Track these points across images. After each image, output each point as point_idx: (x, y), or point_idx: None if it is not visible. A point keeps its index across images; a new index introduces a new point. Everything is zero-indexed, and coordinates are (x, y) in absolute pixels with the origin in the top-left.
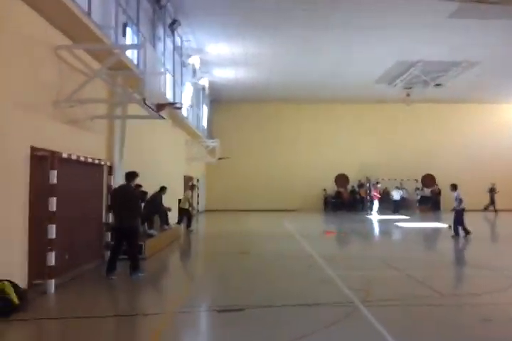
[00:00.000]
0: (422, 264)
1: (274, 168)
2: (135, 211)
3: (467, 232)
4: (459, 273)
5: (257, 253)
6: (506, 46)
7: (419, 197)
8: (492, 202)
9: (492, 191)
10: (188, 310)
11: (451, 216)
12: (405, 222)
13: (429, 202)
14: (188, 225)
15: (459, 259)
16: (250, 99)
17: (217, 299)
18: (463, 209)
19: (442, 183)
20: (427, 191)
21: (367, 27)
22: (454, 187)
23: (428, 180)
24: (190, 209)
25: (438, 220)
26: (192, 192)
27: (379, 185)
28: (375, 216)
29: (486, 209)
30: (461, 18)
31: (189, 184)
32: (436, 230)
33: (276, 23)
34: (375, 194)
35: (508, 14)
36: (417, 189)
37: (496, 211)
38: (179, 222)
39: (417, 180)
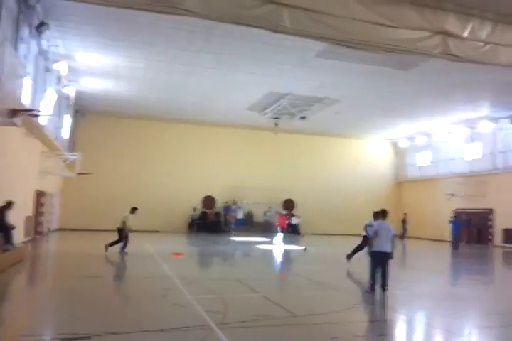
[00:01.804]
0: (279, 285)
1: (138, 187)
2: None
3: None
4: (311, 293)
5: (110, 276)
6: (363, 88)
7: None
8: (404, 230)
9: (404, 221)
10: (29, 339)
11: (309, 239)
12: (266, 244)
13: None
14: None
15: (313, 280)
16: (118, 114)
17: (60, 326)
18: None
19: (300, 208)
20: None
21: (240, 56)
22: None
23: (288, 204)
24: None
25: (296, 243)
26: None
27: (284, 212)
28: (238, 238)
29: (401, 237)
30: (326, 59)
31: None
32: (295, 252)
33: (152, 39)
34: (282, 221)
35: (368, 60)
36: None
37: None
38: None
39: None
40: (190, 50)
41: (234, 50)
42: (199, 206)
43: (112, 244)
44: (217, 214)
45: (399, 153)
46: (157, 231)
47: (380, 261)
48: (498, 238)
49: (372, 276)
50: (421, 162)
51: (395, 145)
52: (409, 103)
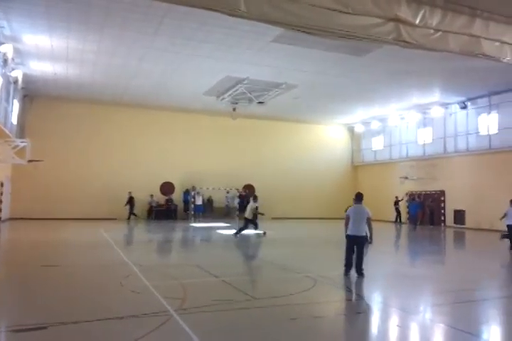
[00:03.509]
0: (238, 269)
1: (93, 174)
2: None
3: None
4: (272, 277)
5: (67, 265)
6: (321, 74)
7: (238, 205)
8: (398, 214)
9: (396, 204)
10: None
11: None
12: (226, 229)
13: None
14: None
15: (273, 264)
16: (70, 98)
17: (13, 317)
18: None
19: (260, 192)
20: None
21: (196, 40)
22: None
23: (248, 189)
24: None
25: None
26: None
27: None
28: (198, 224)
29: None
30: (283, 44)
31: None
32: (253, 236)
33: (105, 22)
34: None
35: (324, 46)
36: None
37: (400, 223)
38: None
39: (238, 190)
40: (144, 33)
41: (189, 33)
42: (158, 192)
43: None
44: (170, 200)
45: (355, 137)
46: (114, 219)
47: (353, 245)
48: (449, 219)
49: (346, 259)
50: (376, 146)
51: (351, 130)
52: (364, 89)
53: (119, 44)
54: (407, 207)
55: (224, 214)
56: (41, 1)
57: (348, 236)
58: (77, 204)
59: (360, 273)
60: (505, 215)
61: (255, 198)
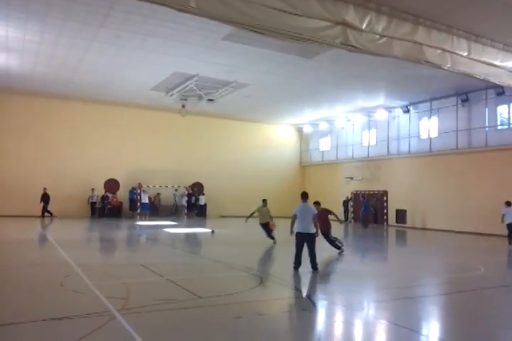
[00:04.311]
0: (184, 268)
1: (39, 170)
2: None
3: None
4: (218, 275)
5: (3, 264)
6: (271, 74)
7: (186, 204)
8: (346, 212)
9: (345, 203)
10: None
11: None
12: (173, 228)
13: (197, 209)
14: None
15: (220, 262)
16: (12, 90)
17: None
18: None
19: (209, 191)
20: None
21: (142, 33)
22: None
23: (197, 187)
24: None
25: (203, 226)
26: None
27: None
28: (144, 222)
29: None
30: (233, 42)
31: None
32: (202, 235)
33: (49, 11)
34: None
35: (274, 46)
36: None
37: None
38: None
39: (186, 188)
40: (89, 25)
41: (136, 26)
42: (102, 190)
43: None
44: (106, 197)
45: (303, 138)
46: (54, 216)
47: (302, 242)
48: (392, 218)
49: (296, 256)
50: (323, 147)
51: (300, 130)
52: (312, 90)
53: (62, 35)
54: (363, 206)
55: (171, 212)
56: None
57: (297, 234)
58: (14, 202)
59: (314, 268)
60: (503, 216)
61: (265, 202)
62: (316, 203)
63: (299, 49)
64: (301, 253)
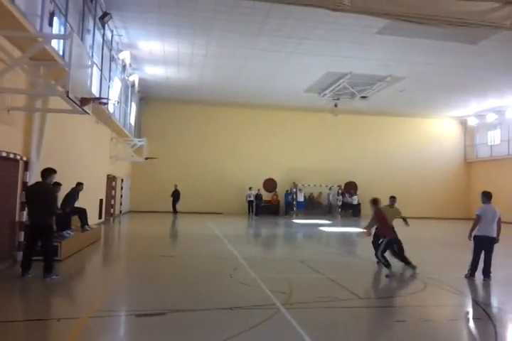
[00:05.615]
0: (342, 268)
1: (202, 171)
2: (50, 209)
3: None
4: (377, 276)
5: (181, 256)
6: (427, 64)
7: (340, 203)
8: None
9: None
10: (105, 314)
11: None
12: (327, 227)
13: (351, 208)
14: None
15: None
16: (181, 100)
17: (136, 303)
18: None
19: (362, 190)
20: (351, 198)
21: (297, 37)
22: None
23: (351, 187)
24: None
25: (357, 225)
26: None
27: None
28: (300, 220)
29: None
30: (388, 35)
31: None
32: (355, 235)
33: (212, 25)
34: None
35: (433, 35)
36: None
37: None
38: None
39: (339, 186)
40: (248, 34)
41: (291, 31)
42: (261, 188)
43: None
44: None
45: (468, 131)
46: (220, 213)
47: (482, 246)
48: None
49: (473, 261)
50: (492, 141)
51: (463, 123)
52: (478, 79)
53: (224, 46)
54: None
55: (326, 211)
56: (154, 7)
57: (478, 237)
58: (188, 199)
59: (487, 275)
60: None
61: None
62: (375, 201)
63: (462, 35)
64: (479, 258)
